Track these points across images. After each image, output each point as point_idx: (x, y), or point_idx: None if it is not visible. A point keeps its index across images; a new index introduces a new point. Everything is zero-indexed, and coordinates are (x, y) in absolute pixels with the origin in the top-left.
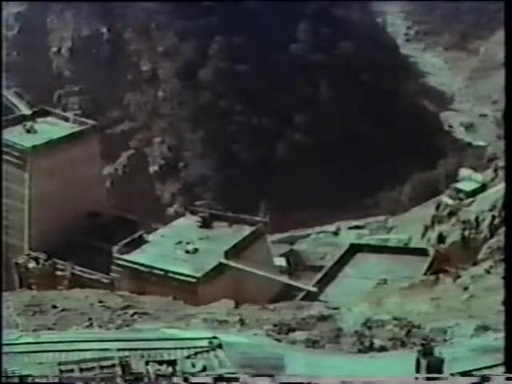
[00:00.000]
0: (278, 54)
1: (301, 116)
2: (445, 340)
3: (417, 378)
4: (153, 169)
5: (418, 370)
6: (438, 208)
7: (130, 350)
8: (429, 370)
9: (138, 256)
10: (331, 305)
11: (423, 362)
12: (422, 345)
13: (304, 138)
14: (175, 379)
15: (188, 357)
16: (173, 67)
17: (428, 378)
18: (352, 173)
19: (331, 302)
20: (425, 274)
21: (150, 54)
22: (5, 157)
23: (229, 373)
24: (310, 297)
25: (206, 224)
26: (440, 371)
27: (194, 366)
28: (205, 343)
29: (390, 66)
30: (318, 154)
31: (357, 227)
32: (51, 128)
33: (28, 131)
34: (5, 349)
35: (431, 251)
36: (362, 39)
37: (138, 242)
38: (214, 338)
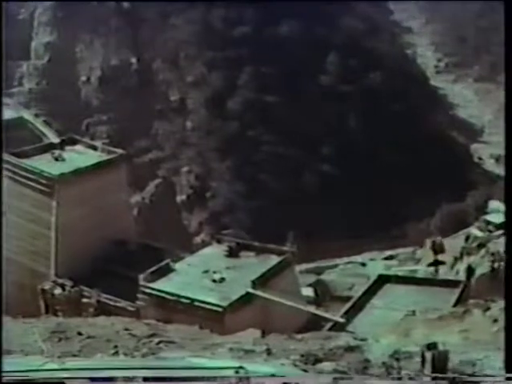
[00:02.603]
0: (307, 85)
1: (329, 146)
2: (474, 372)
3: None
4: (180, 198)
5: (422, 365)
6: (467, 240)
7: (156, 378)
8: (434, 363)
9: (164, 284)
10: (359, 336)
11: (428, 355)
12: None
13: (332, 168)
14: None
15: None
16: (201, 97)
17: None
18: (380, 204)
19: (359, 332)
20: (454, 305)
21: (178, 83)
22: (32, 184)
23: None
24: (338, 327)
25: (232, 253)
26: (445, 364)
27: None
28: (231, 372)
29: (419, 98)
30: (345, 185)
31: (391, 257)
32: (79, 156)
33: (56, 159)
34: (30, 375)
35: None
36: (391, 71)
37: (165, 271)
38: (241, 367)
